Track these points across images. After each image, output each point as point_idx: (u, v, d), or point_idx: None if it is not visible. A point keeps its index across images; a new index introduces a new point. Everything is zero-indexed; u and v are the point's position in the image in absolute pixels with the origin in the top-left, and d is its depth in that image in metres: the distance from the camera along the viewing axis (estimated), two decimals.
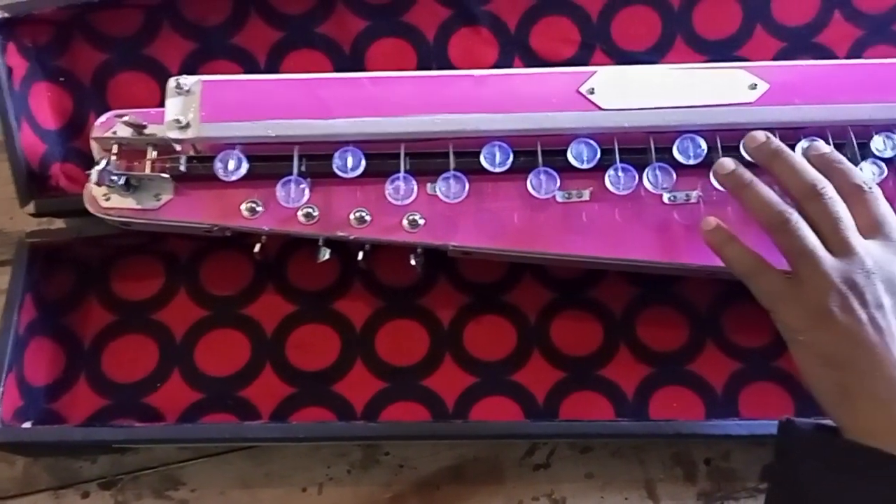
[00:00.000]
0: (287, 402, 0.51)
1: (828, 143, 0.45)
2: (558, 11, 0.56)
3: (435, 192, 0.46)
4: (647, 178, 0.45)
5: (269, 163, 0.46)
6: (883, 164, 0.45)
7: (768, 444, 0.51)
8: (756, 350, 0.52)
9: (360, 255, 0.48)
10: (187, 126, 0.44)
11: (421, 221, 0.46)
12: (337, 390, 0.51)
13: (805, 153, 0.42)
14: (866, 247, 0.37)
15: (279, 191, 0.44)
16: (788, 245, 0.38)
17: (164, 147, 0.47)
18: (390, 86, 0.46)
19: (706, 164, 0.45)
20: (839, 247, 0.37)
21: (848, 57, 0.56)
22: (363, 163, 0.45)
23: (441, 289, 0.53)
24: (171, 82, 0.45)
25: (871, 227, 0.38)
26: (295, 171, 0.45)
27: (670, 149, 0.46)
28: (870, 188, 0.40)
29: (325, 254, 0.47)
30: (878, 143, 0.45)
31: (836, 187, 0.39)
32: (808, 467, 0.35)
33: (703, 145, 0.45)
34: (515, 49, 0.55)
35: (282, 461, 0.51)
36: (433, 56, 0.55)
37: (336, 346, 0.52)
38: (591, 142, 0.45)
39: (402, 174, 0.45)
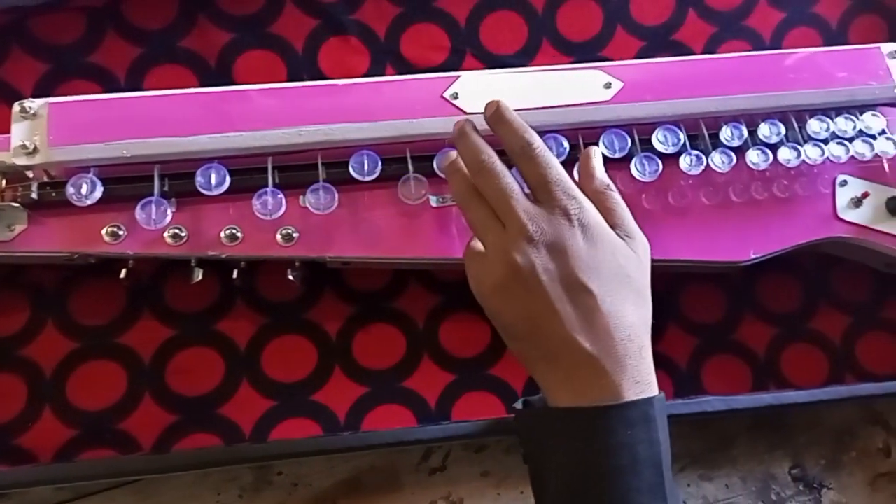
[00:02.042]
0: (170, 430, 0.49)
1: (681, 134, 0.48)
2: (426, 18, 0.56)
3: (306, 204, 0.45)
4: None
5: (129, 184, 0.44)
6: (732, 153, 0.48)
7: None
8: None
9: (235, 274, 0.46)
10: (34, 151, 0.42)
11: (295, 235, 0.46)
12: (223, 413, 0.49)
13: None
14: (530, 212, 0.37)
15: (139, 213, 0.43)
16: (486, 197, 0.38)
17: (16, 175, 0.45)
18: (254, 99, 0.45)
19: (570, 161, 0.47)
20: (505, 216, 0.37)
21: (704, 52, 0.59)
22: (228, 179, 0.44)
23: (327, 301, 0.53)
24: (16, 106, 0.43)
25: (539, 190, 0.38)
26: (156, 191, 0.44)
27: None
28: (534, 147, 0.39)
29: (198, 274, 0.46)
30: (725, 134, 0.48)
31: (507, 150, 0.40)
32: (530, 441, 0.37)
33: (566, 143, 0.47)
34: (387, 57, 0.56)
35: (170, 493, 0.49)
36: (303, 67, 0.54)
37: (220, 368, 0.50)
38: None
39: (269, 188, 0.44)
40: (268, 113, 0.45)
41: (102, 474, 0.46)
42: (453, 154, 0.41)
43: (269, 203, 0.44)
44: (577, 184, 0.39)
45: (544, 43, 0.58)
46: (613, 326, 0.35)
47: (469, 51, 0.57)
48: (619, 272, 0.37)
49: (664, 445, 0.35)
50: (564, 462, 0.34)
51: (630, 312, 0.36)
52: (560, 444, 0.34)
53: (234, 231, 0.45)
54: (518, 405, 0.38)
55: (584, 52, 0.58)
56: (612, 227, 0.39)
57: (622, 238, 0.39)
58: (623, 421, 0.34)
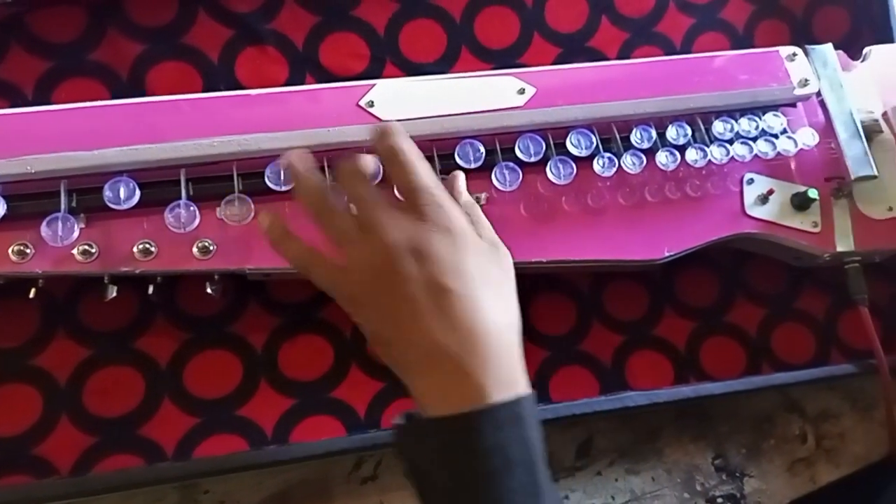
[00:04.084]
0: (89, 453, 0.47)
1: (594, 138, 0.49)
2: (345, 27, 0.56)
3: (222, 216, 0.45)
4: None
5: (35, 201, 0.43)
6: (642, 155, 0.50)
7: (580, 425, 0.55)
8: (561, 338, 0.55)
9: (151, 289, 0.45)
10: None
11: (212, 248, 0.45)
12: (144, 433, 0.48)
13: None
14: (393, 219, 0.36)
15: (44, 230, 0.42)
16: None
17: None
18: (165, 110, 0.45)
19: (487, 167, 0.48)
20: (366, 223, 0.37)
21: (618, 58, 0.61)
22: (138, 192, 0.43)
23: (251, 313, 0.52)
24: None
25: (406, 196, 0.38)
26: (63, 207, 0.42)
27: (453, 155, 0.48)
28: (404, 153, 0.38)
29: (112, 291, 0.45)
30: (636, 137, 0.50)
31: (379, 157, 0.39)
32: (408, 456, 0.36)
33: (482, 149, 0.47)
34: (306, 66, 0.55)
35: None
36: (220, 78, 0.54)
37: (140, 387, 0.49)
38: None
39: (182, 201, 0.43)
40: (180, 124, 0.44)
41: (18, 500, 0.44)
42: (296, 165, 0.40)
43: (183, 216, 0.43)
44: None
45: (463, 51, 0.58)
46: (477, 326, 0.35)
47: (389, 59, 0.57)
48: (484, 275, 0.37)
49: (536, 443, 0.34)
50: (440, 473, 0.34)
51: (495, 313, 0.36)
52: (434, 456, 0.34)
53: (147, 245, 0.44)
54: (399, 419, 0.37)
55: (502, 59, 0.59)
56: (479, 236, 0.39)
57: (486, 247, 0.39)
58: (492, 423, 0.33)
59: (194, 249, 0.45)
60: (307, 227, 0.39)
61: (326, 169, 0.46)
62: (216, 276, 0.47)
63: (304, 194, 0.39)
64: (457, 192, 0.42)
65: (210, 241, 0.45)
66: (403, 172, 0.38)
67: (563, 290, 0.56)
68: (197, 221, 0.44)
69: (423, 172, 0.38)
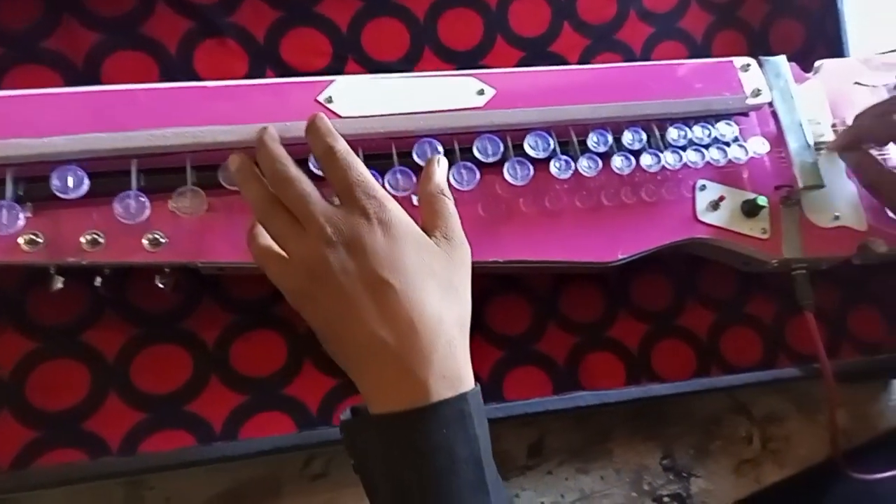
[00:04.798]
0: (31, 447, 0.46)
1: (551, 141, 0.50)
2: (307, 23, 0.56)
3: (174, 208, 0.44)
4: (388, 182, 0.46)
5: None
6: (598, 159, 0.50)
7: (532, 424, 0.55)
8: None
9: (98, 281, 0.45)
10: None
11: (163, 240, 0.44)
12: (88, 428, 0.47)
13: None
14: (328, 215, 0.37)
15: None
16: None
17: None
18: (118, 99, 0.44)
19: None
20: (303, 220, 0.37)
21: (579, 64, 0.62)
22: (87, 182, 0.42)
23: (205, 309, 0.51)
24: None
25: (342, 193, 0.38)
26: (8, 195, 0.41)
27: (411, 153, 0.48)
28: (336, 150, 0.38)
29: (58, 282, 0.44)
30: (592, 141, 0.50)
31: (314, 156, 0.40)
32: (355, 452, 0.36)
33: (440, 148, 0.48)
34: (266, 61, 0.55)
35: None
36: (178, 70, 0.53)
37: (85, 381, 0.48)
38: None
39: (132, 192, 0.43)
40: (133, 114, 0.44)
41: None
42: (240, 169, 0.41)
43: (132, 206, 0.43)
44: (420, 185, 0.40)
45: (426, 51, 0.59)
46: (417, 319, 0.35)
47: (351, 57, 0.57)
48: (423, 267, 0.36)
49: (482, 440, 0.35)
50: (386, 470, 0.34)
51: (436, 306, 0.36)
52: (380, 453, 0.34)
53: (96, 236, 0.43)
54: (346, 415, 0.37)
55: (465, 60, 0.59)
56: (434, 228, 0.39)
57: (436, 240, 0.39)
58: (437, 421, 0.33)
59: (144, 241, 0.44)
60: None
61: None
62: (167, 270, 0.46)
63: (249, 196, 0.40)
64: (431, 173, 0.42)
65: (161, 234, 0.44)
66: (339, 169, 0.38)
67: (521, 290, 0.57)
68: (147, 213, 0.43)
69: (360, 169, 0.38)
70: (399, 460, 0.33)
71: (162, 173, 0.45)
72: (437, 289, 0.36)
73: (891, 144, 0.57)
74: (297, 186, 0.38)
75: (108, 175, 0.44)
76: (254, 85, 0.47)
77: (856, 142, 0.55)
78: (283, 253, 0.38)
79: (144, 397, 0.49)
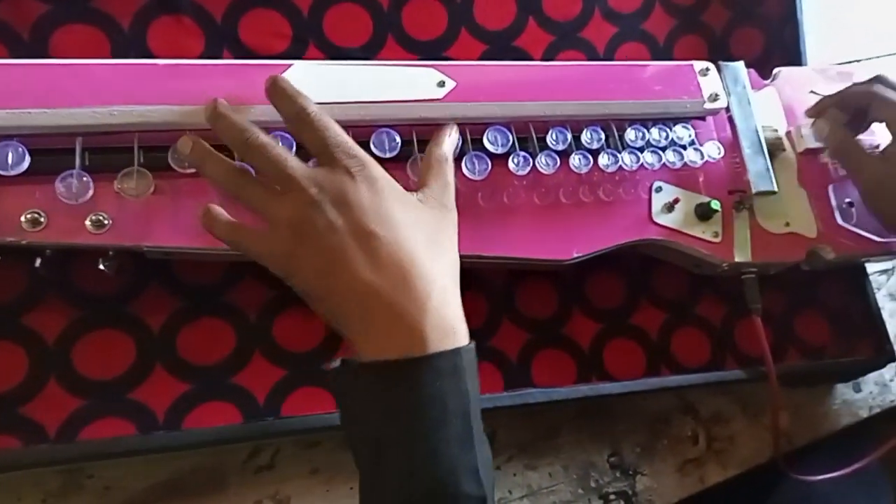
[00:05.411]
0: None
1: (510, 136, 0.49)
2: (267, 4, 0.55)
3: (118, 189, 0.43)
4: None
5: None
6: (556, 157, 0.50)
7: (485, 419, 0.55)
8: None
9: (38, 262, 0.43)
10: None
11: (107, 222, 0.43)
12: (24, 413, 0.46)
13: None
14: (309, 175, 0.37)
15: None
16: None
17: None
18: (63, 73, 0.42)
19: (402, 157, 0.47)
20: (282, 182, 0.37)
21: (542, 60, 0.62)
22: (28, 159, 0.41)
23: (151, 294, 0.50)
24: None
25: (321, 153, 0.38)
26: None
27: (369, 143, 0.47)
28: (309, 112, 0.38)
29: None
30: (551, 138, 0.50)
31: (285, 119, 0.40)
32: (344, 402, 0.36)
33: (398, 139, 0.47)
34: (223, 41, 0.54)
35: None
36: (131, 46, 0.51)
37: (22, 365, 0.46)
38: (287, 135, 0.45)
39: (75, 171, 0.41)
40: (79, 90, 0.42)
41: None
42: (196, 147, 0.40)
43: (75, 185, 0.41)
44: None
45: (389, 39, 0.58)
46: (409, 268, 0.35)
47: (312, 41, 0.56)
48: (409, 220, 0.37)
49: (473, 395, 0.35)
50: (376, 418, 0.34)
51: (425, 256, 0.36)
52: (371, 400, 0.34)
53: (36, 215, 0.42)
54: (335, 363, 0.37)
55: (428, 51, 0.58)
56: (427, 187, 0.40)
57: (426, 199, 0.40)
58: (431, 372, 0.34)
59: (87, 223, 0.43)
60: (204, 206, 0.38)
61: None
62: (111, 253, 0.45)
63: (213, 173, 0.39)
64: (441, 138, 0.43)
65: (105, 215, 0.43)
66: (316, 131, 0.38)
67: (476, 286, 0.56)
68: (90, 193, 0.41)
69: (337, 130, 0.38)
70: (391, 408, 0.33)
71: (108, 153, 0.44)
72: (426, 241, 0.37)
73: (874, 126, 0.59)
74: (271, 151, 0.37)
75: (51, 153, 0.42)
76: (209, 65, 0.46)
77: (823, 107, 0.57)
78: (253, 225, 0.38)
79: (85, 383, 0.47)
